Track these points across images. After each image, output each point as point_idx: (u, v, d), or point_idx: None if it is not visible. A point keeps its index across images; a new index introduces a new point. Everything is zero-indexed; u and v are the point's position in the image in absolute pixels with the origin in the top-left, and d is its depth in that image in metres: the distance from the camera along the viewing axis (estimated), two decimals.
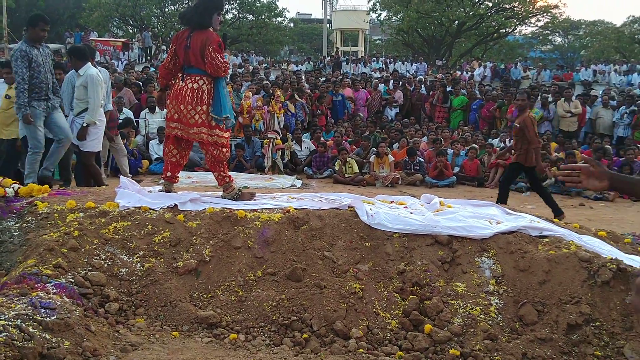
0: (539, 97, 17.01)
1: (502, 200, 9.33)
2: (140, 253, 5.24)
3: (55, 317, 4.03)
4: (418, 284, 5.23)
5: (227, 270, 5.25)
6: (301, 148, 14.08)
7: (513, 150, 9.79)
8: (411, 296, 5.13)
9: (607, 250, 5.65)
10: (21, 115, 6.82)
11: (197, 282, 5.16)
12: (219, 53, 6.10)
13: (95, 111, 7.96)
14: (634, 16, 43.32)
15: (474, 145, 14.01)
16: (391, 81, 20.01)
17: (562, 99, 16.41)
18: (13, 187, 6.05)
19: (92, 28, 38.29)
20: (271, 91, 15.73)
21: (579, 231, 6.18)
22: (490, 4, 40.63)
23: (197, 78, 6.14)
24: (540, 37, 44.54)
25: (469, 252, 5.54)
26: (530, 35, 44.47)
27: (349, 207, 6.15)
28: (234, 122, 6.73)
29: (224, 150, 6.34)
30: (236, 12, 46.77)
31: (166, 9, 46.20)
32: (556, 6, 39.84)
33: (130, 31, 46.71)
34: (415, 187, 12.34)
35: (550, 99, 16.85)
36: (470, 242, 5.61)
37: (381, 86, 19.18)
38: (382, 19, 44.52)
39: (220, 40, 6.17)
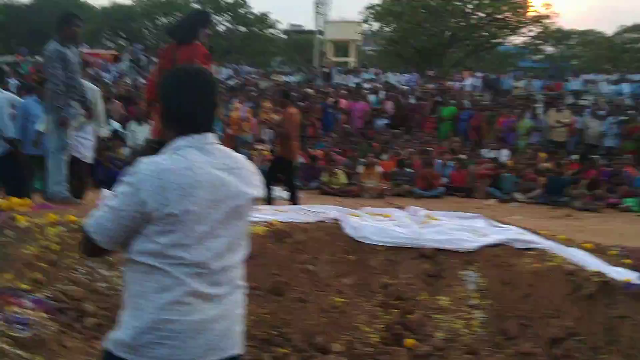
0: (530, 107, 17.01)
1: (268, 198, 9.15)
2: (120, 268, 5.17)
3: (29, 332, 3.96)
4: (401, 297, 5.19)
5: None
6: None
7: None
8: (394, 310, 5.08)
9: (593, 263, 5.62)
10: (56, 118, 6.55)
11: None
12: (206, 66, 6.08)
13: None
14: (624, 25, 43.53)
15: (462, 155, 14.00)
16: (382, 92, 20.01)
17: (553, 108, 16.41)
18: None
19: (83, 41, 38.19)
20: (260, 102, 15.70)
21: (565, 243, 6.15)
22: (482, 15, 40.74)
23: None
24: (532, 47, 44.60)
25: (454, 265, 5.51)
26: (522, 44, 44.52)
27: (334, 219, 6.11)
28: (221, 134, 6.69)
29: None
30: (228, 24, 46.84)
31: (157, 22, 46.22)
32: (547, 16, 39.92)
33: (122, 43, 46.72)
34: (404, 198, 12.27)
35: (540, 109, 16.87)
36: (456, 255, 5.58)
37: (372, 97, 19.16)
38: (374, 30, 44.59)
39: (207, 52, 6.15)
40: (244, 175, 2.31)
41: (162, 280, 2.16)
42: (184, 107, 2.27)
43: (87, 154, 7.62)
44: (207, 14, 6.90)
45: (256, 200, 2.35)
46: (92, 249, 2.26)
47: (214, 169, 2.22)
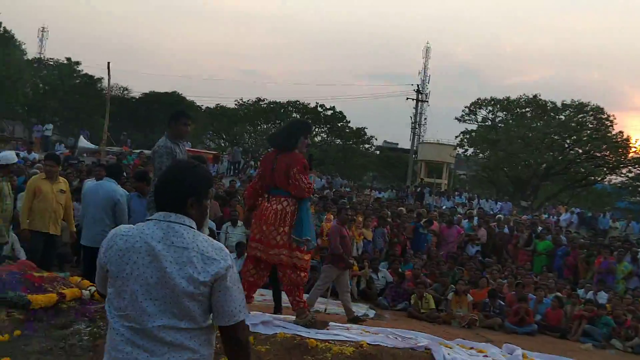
0: (629, 250, 16.26)
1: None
2: None
3: None
4: None
5: None
6: (377, 277, 13.78)
7: None
8: None
9: None
10: None
11: None
12: (302, 174, 6.11)
13: None
14: None
15: (559, 293, 13.39)
16: (475, 218, 19.72)
17: None
18: (89, 290, 6.04)
19: (186, 139, 39.85)
20: (352, 216, 15.66)
21: None
22: (581, 151, 40.24)
23: (282, 199, 6.14)
24: (630, 188, 43.42)
25: None
26: (619, 184, 43.45)
27: (426, 348, 5.85)
28: (315, 244, 6.65)
29: (302, 274, 6.23)
30: (325, 136, 48.07)
31: (259, 127, 47.93)
32: None
33: (222, 144, 48.52)
34: (494, 331, 11.76)
35: None
36: None
37: (464, 222, 18.91)
38: (468, 155, 44.71)
39: (305, 161, 6.21)
40: (186, 255, 2.57)
41: (110, 327, 2.61)
42: (156, 190, 2.77)
43: None
44: (308, 124, 7.02)
45: (199, 283, 2.55)
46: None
47: (155, 241, 2.57)
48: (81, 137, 31.98)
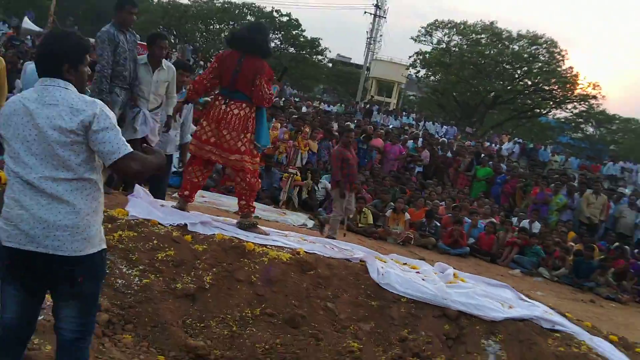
0: (566, 183, 16.71)
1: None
2: (141, 267, 5.03)
3: (42, 317, 3.84)
4: (419, 355, 5.01)
5: (224, 302, 5.05)
6: (318, 188, 13.88)
7: None
8: None
9: (618, 358, 5.42)
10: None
11: (193, 308, 4.95)
12: (267, 85, 6.02)
13: None
14: None
15: (493, 219, 13.76)
16: (420, 139, 19.88)
17: (589, 190, 16.06)
18: None
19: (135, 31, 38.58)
20: (300, 126, 15.58)
21: (590, 331, 5.94)
22: (530, 83, 40.63)
23: (244, 105, 6.01)
24: (573, 124, 44.24)
25: (476, 332, 5.33)
26: (563, 120, 44.21)
27: (361, 260, 5.96)
28: (263, 150, 6.70)
29: (257, 180, 6.33)
30: (279, 43, 47.15)
31: (211, 27, 46.69)
32: (594, 97, 39.67)
33: (172, 41, 47.21)
34: (427, 250, 12.09)
35: (576, 188, 16.55)
36: (479, 322, 5.40)
37: (410, 142, 19.06)
38: (420, 76, 44.65)
39: (272, 72, 6.12)
40: (57, 110, 2.92)
41: (8, 182, 3.00)
42: (35, 59, 3.08)
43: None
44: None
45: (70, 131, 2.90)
46: None
47: (30, 102, 2.94)
48: (25, 18, 30.52)
